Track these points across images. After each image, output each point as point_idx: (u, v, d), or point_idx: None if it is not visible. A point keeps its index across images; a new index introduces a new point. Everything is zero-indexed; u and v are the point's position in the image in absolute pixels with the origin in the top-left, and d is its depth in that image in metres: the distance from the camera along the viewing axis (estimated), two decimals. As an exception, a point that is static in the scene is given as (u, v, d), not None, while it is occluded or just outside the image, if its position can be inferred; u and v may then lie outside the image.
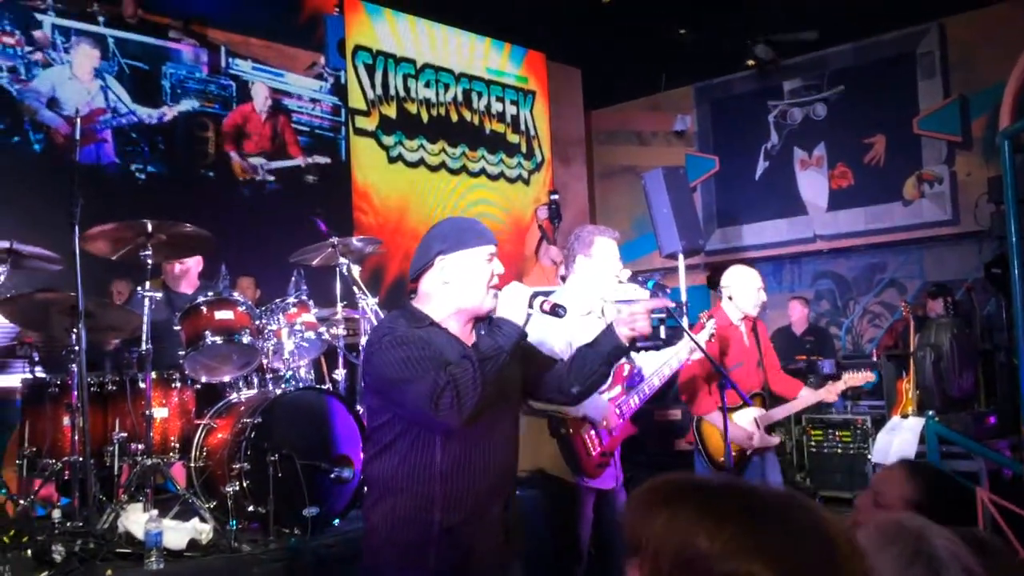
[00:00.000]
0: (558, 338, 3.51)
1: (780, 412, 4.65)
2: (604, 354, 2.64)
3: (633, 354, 3.79)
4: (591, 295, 3.72)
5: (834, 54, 10.13)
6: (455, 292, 2.52)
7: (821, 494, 6.73)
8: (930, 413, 5.19)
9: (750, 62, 10.33)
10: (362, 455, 3.56)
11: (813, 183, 10.30)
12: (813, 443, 6.98)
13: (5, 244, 4.13)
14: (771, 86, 10.59)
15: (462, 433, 2.42)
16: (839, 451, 6.96)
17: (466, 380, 2.30)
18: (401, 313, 2.55)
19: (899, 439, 5.37)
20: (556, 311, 2.53)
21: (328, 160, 8.30)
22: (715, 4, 8.74)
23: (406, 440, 2.44)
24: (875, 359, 8.00)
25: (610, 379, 3.60)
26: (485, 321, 2.58)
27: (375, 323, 4.92)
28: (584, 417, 3.56)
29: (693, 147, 11.18)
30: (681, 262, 7.46)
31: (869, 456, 6.26)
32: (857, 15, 9.18)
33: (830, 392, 4.69)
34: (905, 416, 5.54)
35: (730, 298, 4.50)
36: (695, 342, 3.65)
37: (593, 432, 3.57)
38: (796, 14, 9.25)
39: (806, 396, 4.68)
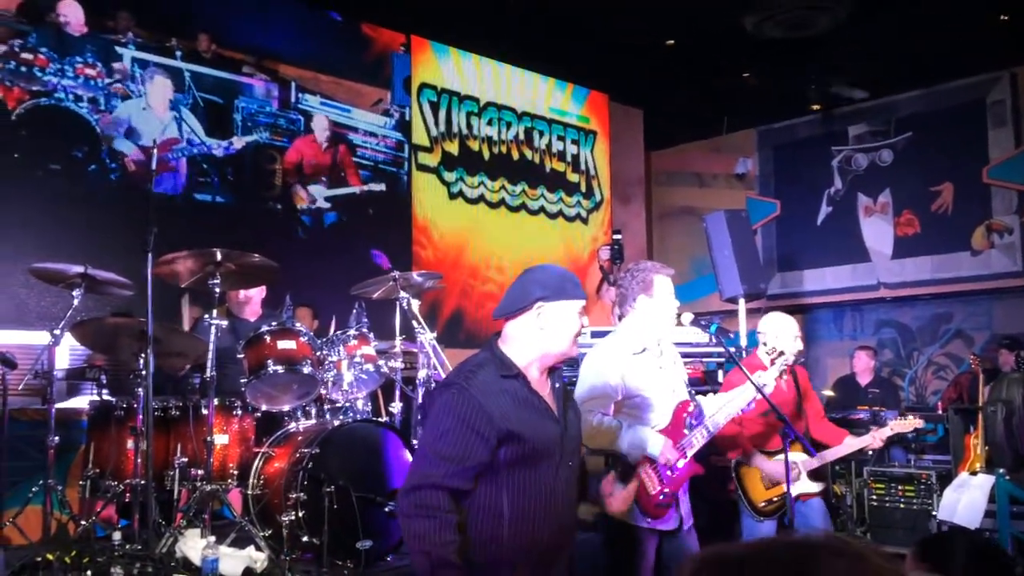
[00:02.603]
0: (613, 373, 3.50)
1: (824, 457, 4.53)
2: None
3: (699, 396, 3.73)
4: (650, 333, 3.67)
5: (902, 100, 10.00)
6: (548, 339, 2.57)
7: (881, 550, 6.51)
8: (1000, 471, 5.01)
9: (815, 106, 10.25)
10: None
11: (877, 230, 10.12)
12: (875, 496, 6.75)
13: (80, 269, 4.24)
14: (835, 131, 10.48)
15: (531, 484, 2.45)
16: (901, 506, 6.72)
17: (434, 534, 2.33)
18: (491, 358, 2.57)
19: (967, 497, 5.18)
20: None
21: (383, 187, 8.41)
22: (780, 49, 8.71)
23: (478, 489, 2.45)
24: (940, 412, 7.78)
25: (669, 417, 3.56)
26: (558, 371, 2.66)
27: (432, 355, 4.95)
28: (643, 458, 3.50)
29: (754, 190, 11.09)
30: (742, 306, 7.36)
31: (934, 513, 6.04)
32: (927, 62, 9.08)
33: (875, 438, 4.57)
34: (973, 473, 5.36)
35: (765, 344, 4.45)
36: (757, 387, 3.58)
37: (653, 471, 3.50)
38: (864, 61, 9.16)
39: (850, 443, 4.58)
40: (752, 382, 3.59)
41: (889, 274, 9.97)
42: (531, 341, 2.57)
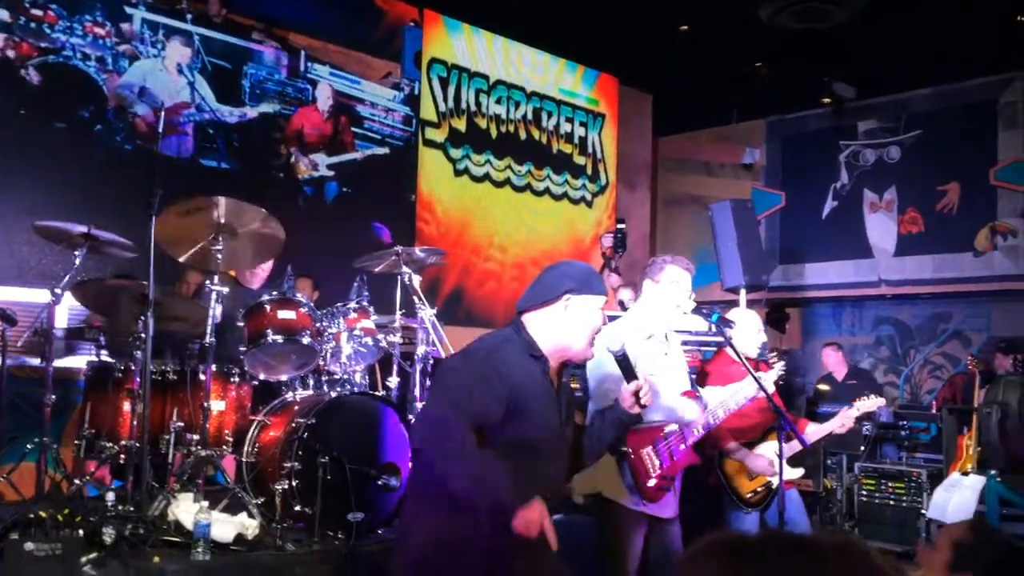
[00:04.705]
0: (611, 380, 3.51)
1: (802, 443, 4.55)
2: (616, 421, 2.89)
3: (699, 388, 3.76)
4: (654, 321, 3.70)
5: (913, 97, 9.94)
6: (571, 331, 2.64)
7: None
8: (992, 472, 5.04)
9: (825, 100, 10.20)
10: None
11: (881, 226, 10.10)
12: (864, 492, 6.79)
13: (83, 229, 4.22)
14: (845, 126, 10.43)
15: (526, 469, 2.47)
16: (891, 503, 6.76)
17: (475, 467, 2.38)
18: (516, 337, 2.62)
19: (957, 497, 5.22)
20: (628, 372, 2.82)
21: (387, 150, 8.37)
22: (794, 40, 8.65)
23: None
24: (934, 411, 7.80)
25: (674, 403, 3.58)
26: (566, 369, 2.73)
27: (431, 332, 4.96)
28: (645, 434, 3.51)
29: (760, 181, 11.06)
30: (743, 297, 7.36)
31: (923, 511, 6.08)
32: (940, 60, 9.02)
33: (844, 422, 4.57)
34: (965, 473, 5.38)
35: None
36: (757, 381, 3.59)
37: (653, 453, 3.52)
38: (878, 56, 9.11)
39: (816, 429, 4.58)
40: (755, 378, 3.61)
41: (891, 271, 9.96)
42: (554, 332, 2.63)
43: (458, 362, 2.60)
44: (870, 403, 4.64)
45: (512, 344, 2.58)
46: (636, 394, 2.80)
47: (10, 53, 6.14)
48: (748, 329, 4.49)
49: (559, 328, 2.63)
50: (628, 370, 2.85)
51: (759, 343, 4.54)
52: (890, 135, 10.12)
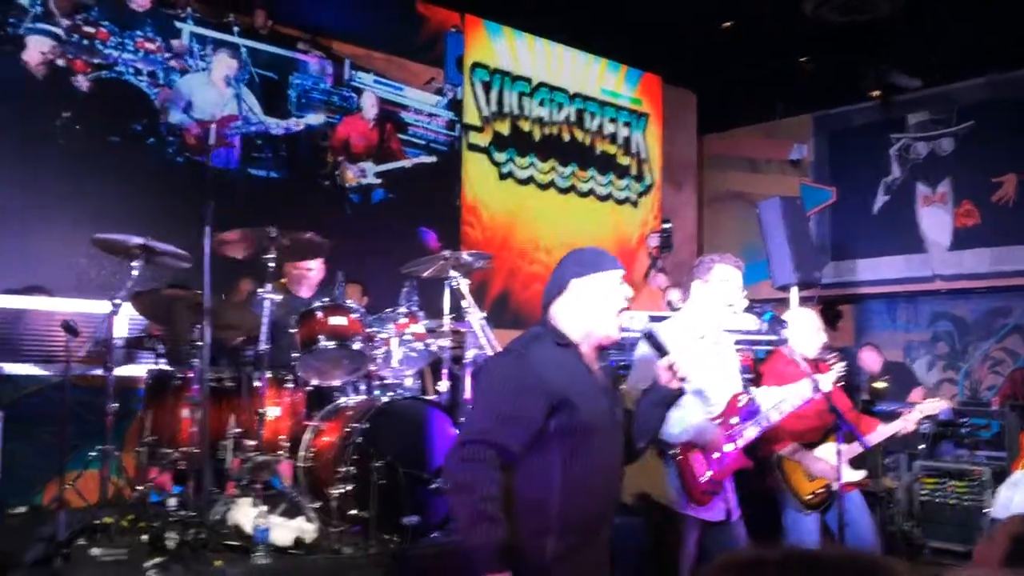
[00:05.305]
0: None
1: (864, 444, 4.47)
2: (659, 400, 2.78)
3: (752, 388, 3.71)
4: (705, 321, 3.67)
5: (964, 88, 9.71)
6: (589, 315, 2.61)
7: (931, 545, 6.41)
8: (1057, 470, 4.90)
9: (874, 93, 10.02)
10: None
11: (935, 220, 9.88)
12: (925, 491, 6.64)
13: (140, 240, 4.31)
14: (894, 119, 10.23)
15: (582, 454, 2.46)
16: (952, 501, 6.61)
17: (478, 491, 2.34)
18: (544, 331, 2.62)
19: (1021, 495, 5.07)
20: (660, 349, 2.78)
21: (434, 159, 8.42)
22: (839, 34, 8.52)
23: (530, 457, 2.45)
24: (994, 408, 7.60)
25: (723, 407, 3.54)
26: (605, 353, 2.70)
27: (481, 335, 4.96)
28: (689, 441, 3.48)
29: (808, 177, 10.90)
30: (794, 295, 7.26)
31: (986, 510, 5.93)
32: (991, 49, 8.81)
33: (907, 423, 4.49)
34: (1029, 471, 5.24)
35: (787, 339, 4.41)
36: (815, 382, 3.55)
37: (702, 456, 3.48)
38: (926, 47, 8.93)
39: (882, 430, 4.51)
40: (813, 380, 3.57)
41: (946, 266, 9.74)
42: (574, 319, 2.62)
43: (490, 379, 2.57)
44: (934, 405, 4.55)
45: (541, 340, 2.58)
46: (671, 367, 2.76)
47: (61, 63, 6.29)
48: (807, 329, 4.40)
49: (577, 313, 2.61)
50: (659, 347, 2.82)
51: (819, 343, 4.43)
52: (942, 127, 9.91)
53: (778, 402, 3.63)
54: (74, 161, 6.25)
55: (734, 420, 3.52)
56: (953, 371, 9.63)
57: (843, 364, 3.97)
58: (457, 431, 4.42)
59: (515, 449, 2.41)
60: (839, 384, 4.05)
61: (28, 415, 4.61)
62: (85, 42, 6.40)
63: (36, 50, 6.23)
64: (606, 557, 2.57)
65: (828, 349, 4.50)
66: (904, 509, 6.63)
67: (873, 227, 10.28)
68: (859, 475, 4.35)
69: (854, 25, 8.13)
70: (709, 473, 3.45)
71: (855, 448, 4.31)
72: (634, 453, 2.80)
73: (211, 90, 7.01)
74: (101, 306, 4.43)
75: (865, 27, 8.21)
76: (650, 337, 2.87)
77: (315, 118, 7.62)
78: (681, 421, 3.39)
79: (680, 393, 2.80)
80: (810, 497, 4.33)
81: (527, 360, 2.49)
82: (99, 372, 4.27)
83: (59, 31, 6.29)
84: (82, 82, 6.38)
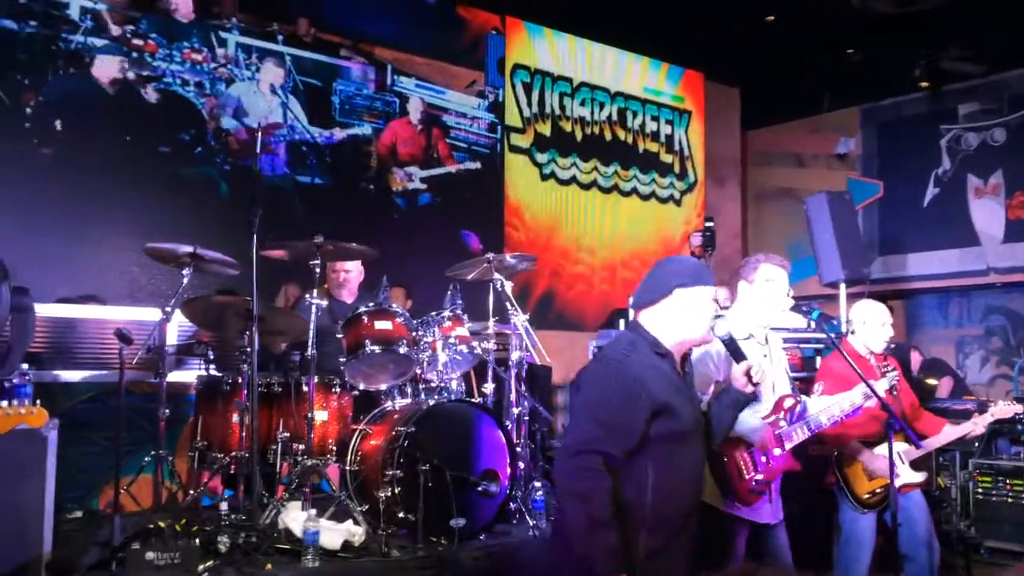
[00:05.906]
0: (714, 354, 3.46)
1: (927, 446, 4.38)
2: (732, 403, 2.92)
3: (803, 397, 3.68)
4: (752, 321, 3.63)
5: (1015, 77, 9.47)
6: (687, 324, 2.74)
7: (987, 545, 6.27)
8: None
9: (923, 84, 9.81)
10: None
11: (988, 212, 9.64)
12: (980, 490, 6.49)
13: (190, 249, 4.40)
14: (944, 109, 10.01)
15: (675, 456, 2.60)
16: (1009, 500, 6.44)
17: (592, 497, 2.46)
18: (639, 339, 2.73)
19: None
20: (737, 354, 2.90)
21: (479, 165, 8.46)
22: (886, 24, 8.36)
23: (628, 460, 2.56)
24: (1053, 404, 7.40)
25: (770, 407, 3.50)
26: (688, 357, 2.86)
27: (525, 337, 4.96)
28: (739, 436, 3.45)
29: (856, 171, 10.72)
30: (843, 292, 7.15)
31: (1045, 510, 5.78)
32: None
33: (977, 425, 4.41)
34: (1089, 470, 5.09)
35: (854, 332, 4.41)
36: (869, 387, 3.51)
37: (748, 456, 3.45)
38: (975, 36, 8.72)
39: (949, 431, 4.45)
40: (868, 385, 3.53)
41: (1000, 258, 9.50)
42: (672, 327, 2.74)
43: (594, 388, 2.64)
44: (1007, 409, 4.47)
45: (637, 348, 2.67)
46: (747, 373, 2.85)
47: (131, 76, 6.43)
48: (874, 323, 4.37)
49: (676, 322, 2.73)
50: (736, 351, 2.87)
51: (886, 336, 4.40)
52: (994, 117, 9.66)
53: (825, 408, 3.59)
54: (125, 173, 6.37)
55: (782, 422, 3.47)
56: (1007, 367, 9.38)
57: (895, 373, 3.91)
58: (502, 436, 4.44)
59: (619, 455, 2.52)
60: (891, 392, 3.99)
61: (83, 421, 4.73)
62: (134, 55, 6.53)
63: (105, 66, 6.37)
64: (691, 553, 2.69)
65: (894, 344, 4.45)
66: (959, 508, 6.49)
67: (923, 221, 10.06)
68: (919, 477, 4.28)
69: (902, 15, 7.97)
70: (758, 476, 3.41)
71: (916, 450, 4.24)
72: (710, 453, 2.95)
73: (259, 99, 7.12)
74: (152, 314, 4.53)
75: (914, 16, 8.04)
76: (729, 342, 2.95)
77: (359, 123, 7.69)
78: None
79: (754, 397, 2.87)
80: (867, 496, 4.27)
81: (628, 368, 2.59)
82: (151, 379, 4.36)
83: (123, 46, 6.44)
84: (151, 94, 6.52)
